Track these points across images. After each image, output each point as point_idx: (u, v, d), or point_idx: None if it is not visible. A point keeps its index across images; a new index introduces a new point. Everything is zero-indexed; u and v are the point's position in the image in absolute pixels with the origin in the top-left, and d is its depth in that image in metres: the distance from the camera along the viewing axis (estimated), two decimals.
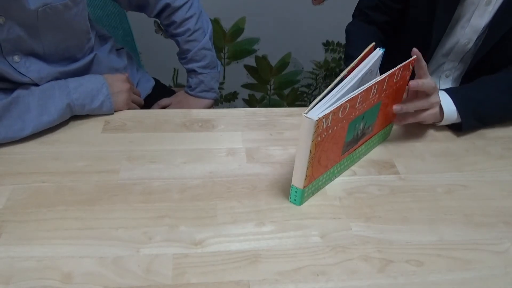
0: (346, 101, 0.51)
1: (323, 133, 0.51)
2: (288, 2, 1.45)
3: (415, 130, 0.73)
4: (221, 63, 1.62)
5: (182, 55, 0.95)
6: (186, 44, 0.92)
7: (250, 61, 1.63)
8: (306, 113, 0.48)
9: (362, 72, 0.55)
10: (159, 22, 0.97)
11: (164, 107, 0.97)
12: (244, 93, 1.74)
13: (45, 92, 0.66)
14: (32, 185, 0.58)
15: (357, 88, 0.55)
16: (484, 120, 0.72)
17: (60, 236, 0.51)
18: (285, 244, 0.52)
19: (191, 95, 0.98)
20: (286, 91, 1.76)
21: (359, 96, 0.53)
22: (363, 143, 0.64)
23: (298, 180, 0.55)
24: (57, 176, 0.60)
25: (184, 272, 0.48)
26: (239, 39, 1.55)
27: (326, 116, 0.49)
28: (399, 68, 0.58)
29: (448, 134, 0.73)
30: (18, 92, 0.65)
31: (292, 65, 1.65)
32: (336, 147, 0.57)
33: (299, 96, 1.78)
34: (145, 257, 0.50)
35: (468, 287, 0.49)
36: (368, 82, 0.57)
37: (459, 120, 0.70)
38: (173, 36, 0.93)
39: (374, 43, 0.59)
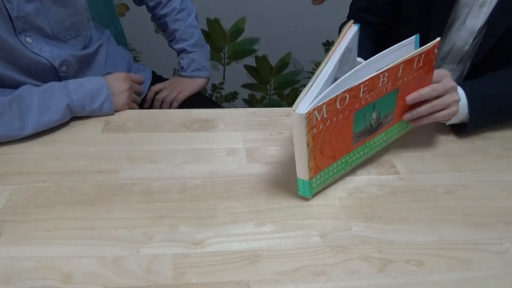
0: (344, 92, 0.49)
1: (319, 125, 0.50)
2: (288, 2, 1.45)
3: (415, 130, 0.73)
4: (221, 63, 1.62)
5: (171, 37, 0.96)
6: (174, 23, 0.94)
7: (250, 61, 1.63)
8: (294, 109, 0.48)
9: (340, 53, 0.53)
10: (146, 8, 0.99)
11: (157, 92, 0.96)
12: (244, 93, 1.74)
13: (45, 93, 0.67)
14: (32, 185, 0.58)
15: (338, 70, 0.53)
16: (492, 117, 0.69)
17: (60, 236, 0.51)
18: (285, 244, 0.52)
19: (184, 76, 0.98)
20: (286, 91, 1.76)
21: (362, 86, 0.51)
22: (382, 131, 0.61)
23: (302, 173, 0.54)
24: (57, 176, 0.60)
25: (184, 272, 0.48)
26: (239, 39, 1.55)
27: (318, 109, 0.48)
28: (420, 55, 0.55)
29: (448, 134, 0.73)
30: (19, 92, 0.65)
31: (292, 65, 1.65)
32: (343, 137, 0.55)
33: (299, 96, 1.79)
34: (145, 257, 0.50)
35: (468, 287, 0.49)
36: (348, 61, 0.55)
37: (467, 118, 0.67)
38: (160, 18, 0.95)
39: (352, 20, 0.58)
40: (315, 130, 0.50)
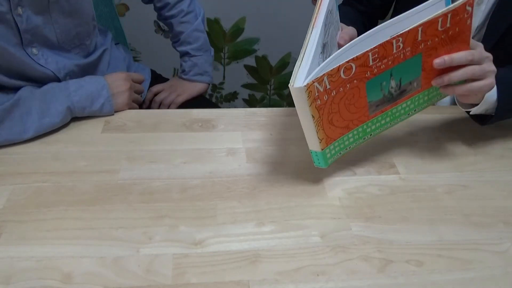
0: (349, 61, 0.47)
1: (322, 96, 0.48)
2: (288, 2, 1.45)
3: (415, 130, 0.73)
4: (221, 63, 1.62)
5: (176, 38, 0.95)
6: (180, 26, 0.93)
7: (250, 61, 1.63)
8: (292, 84, 0.46)
9: (323, 17, 0.52)
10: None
11: (156, 93, 0.96)
12: (244, 93, 1.74)
13: (46, 95, 0.66)
14: (32, 185, 0.58)
15: (324, 35, 0.51)
16: None
17: (60, 236, 0.51)
18: (285, 244, 0.52)
19: (185, 79, 0.97)
20: (286, 91, 1.76)
21: (370, 54, 0.48)
22: (407, 99, 0.58)
23: (313, 145, 0.54)
24: (57, 176, 0.60)
25: (184, 272, 0.48)
26: (239, 39, 1.55)
27: (318, 80, 0.46)
28: (445, 15, 0.49)
29: (448, 134, 0.73)
30: (19, 95, 0.65)
31: (292, 65, 1.65)
32: (355, 107, 0.53)
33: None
34: (145, 257, 0.50)
35: (468, 287, 0.49)
36: (332, 23, 0.52)
37: (493, 106, 0.62)
38: (166, 19, 0.94)
39: None
40: (318, 102, 0.49)
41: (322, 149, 0.55)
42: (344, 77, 0.49)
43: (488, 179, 0.64)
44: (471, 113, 0.65)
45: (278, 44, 1.58)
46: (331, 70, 0.47)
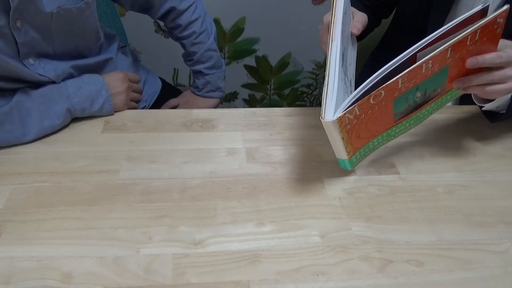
0: (379, 89, 0.48)
1: (353, 121, 0.49)
2: (288, 2, 1.45)
3: (415, 130, 0.73)
4: None
5: (188, 57, 0.95)
6: (192, 46, 0.92)
7: (250, 61, 1.63)
8: (323, 117, 0.47)
9: (340, 27, 0.52)
10: (162, 24, 0.98)
11: (173, 108, 0.98)
12: (244, 93, 1.74)
13: (44, 97, 0.66)
14: (32, 185, 0.58)
15: (342, 41, 0.51)
16: None
17: (60, 236, 0.51)
18: (285, 244, 0.52)
19: (198, 95, 0.99)
20: (286, 91, 1.76)
21: (399, 80, 0.48)
22: (431, 103, 0.58)
23: (340, 155, 0.55)
24: (57, 176, 0.60)
25: (184, 272, 0.48)
26: (239, 39, 1.55)
27: (349, 111, 0.47)
28: (474, 32, 0.49)
29: (448, 134, 0.73)
30: (17, 97, 0.64)
31: (292, 65, 1.65)
32: (381, 120, 0.54)
33: (299, 96, 1.78)
34: (145, 257, 0.50)
35: (468, 287, 0.49)
36: (346, 22, 0.53)
37: (505, 104, 0.63)
38: (178, 39, 0.94)
39: None
40: (348, 126, 0.50)
41: (349, 158, 0.56)
42: (373, 102, 0.50)
43: (488, 179, 0.64)
44: (483, 108, 0.66)
45: (278, 44, 1.57)
46: (362, 100, 0.48)
